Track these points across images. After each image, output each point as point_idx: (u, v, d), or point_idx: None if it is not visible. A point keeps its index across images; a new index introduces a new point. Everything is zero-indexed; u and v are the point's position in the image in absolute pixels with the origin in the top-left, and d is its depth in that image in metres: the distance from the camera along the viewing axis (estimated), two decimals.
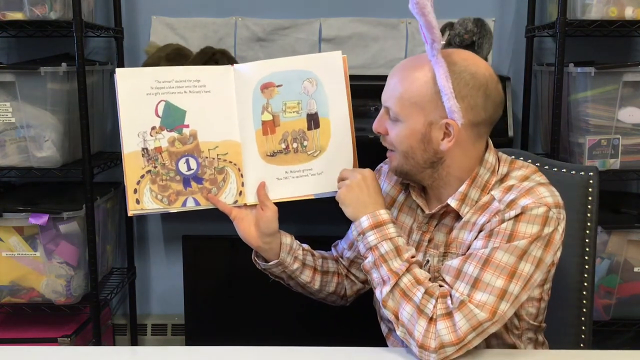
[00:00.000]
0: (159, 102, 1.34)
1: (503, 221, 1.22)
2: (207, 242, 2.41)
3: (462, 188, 1.29)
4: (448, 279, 1.24)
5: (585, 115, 2.16)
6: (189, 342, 2.44)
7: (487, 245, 1.22)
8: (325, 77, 1.38)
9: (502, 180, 1.31)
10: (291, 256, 1.43)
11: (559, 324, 1.53)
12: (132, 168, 1.34)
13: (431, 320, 1.18)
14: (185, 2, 2.47)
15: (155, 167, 1.35)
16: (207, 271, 2.41)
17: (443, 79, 1.22)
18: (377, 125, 1.33)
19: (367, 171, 1.34)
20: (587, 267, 1.51)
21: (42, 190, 2.36)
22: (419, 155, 1.29)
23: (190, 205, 1.37)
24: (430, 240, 1.35)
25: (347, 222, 1.35)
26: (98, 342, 2.24)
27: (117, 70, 1.35)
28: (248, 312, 2.38)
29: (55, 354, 1.32)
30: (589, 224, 1.50)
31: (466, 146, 1.29)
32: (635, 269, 2.18)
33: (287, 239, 1.44)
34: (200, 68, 1.39)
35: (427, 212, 1.36)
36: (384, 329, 1.45)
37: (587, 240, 1.50)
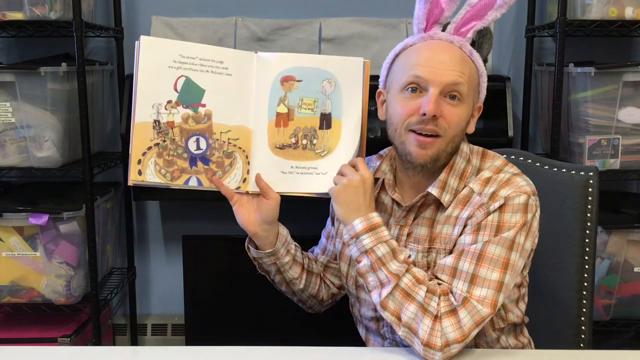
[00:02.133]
0: (179, 77, 1.32)
1: (489, 214, 1.24)
2: (207, 242, 2.40)
3: (442, 176, 1.30)
4: (444, 277, 1.24)
5: (585, 115, 2.16)
6: (189, 342, 2.44)
7: (477, 240, 1.23)
8: (344, 81, 1.37)
9: (477, 172, 1.33)
10: (284, 248, 1.42)
11: (559, 324, 1.53)
12: (140, 138, 1.32)
13: (436, 318, 1.18)
14: (185, 2, 2.47)
15: (164, 141, 1.33)
16: (207, 271, 2.41)
17: (481, 63, 1.31)
18: (436, 109, 1.24)
19: (367, 174, 1.32)
20: (587, 267, 1.51)
21: (42, 190, 2.36)
22: (459, 138, 1.31)
23: (193, 185, 1.35)
24: (409, 235, 1.33)
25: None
26: (98, 342, 2.24)
27: (143, 37, 1.31)
28: (248, 312, 2.38)
29: (55, 354, 1.31)
30: (589, 224, 1.50)
31: None
32: (635, 269, 2.18)
33: (284, 230, 1.43)
34: (225, 50, 1.37)
35: (404, 205, 1.35)
36: (362, 332, 1.46)
37: (587, 240, 1.50)
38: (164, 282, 2.66)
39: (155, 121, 1.32)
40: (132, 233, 2.59)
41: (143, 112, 1.31)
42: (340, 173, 1.34)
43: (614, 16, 2.12)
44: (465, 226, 1.27)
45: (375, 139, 2.04)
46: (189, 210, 2.54)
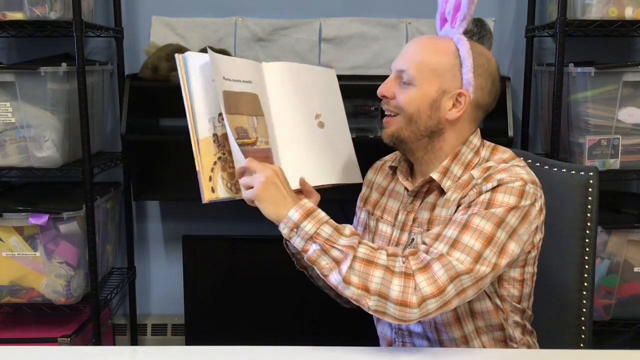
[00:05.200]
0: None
1: (481, 193, 1.26)
2: (207, 242, 2.40)
3: (445, 162, 1.35)
4: (427, 240, 1.24)
5: (585, 115, 2.16)
6: (189, 342, 2.44)
7: (466, 213, 1.25)
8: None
9: (483, 163, 1.35)
10: None
11: (559, 324, 1.53)
12: (207, 154, 1.27)
13: (407, 275, 1.17)
14: (185, 2, 2.47)
15: (224, 154, 1.29)
16: (207, 271, 2.41)
17: (467, 52, 1.33)
18: (384, 89, 1.36)
19: (275, 166, 1.29)
20: (587, 267, 1.51)
21: (42, 190, 2.37)
22: (424, 120, 1.33)
23: None
24: (414, 220, 1.37)
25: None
26: (98, 342, 2.24)
27: (189, 53, 1.28)
28: (248, 312, 2.38)
29: (55, 354, 1.32)
30: (589, 224, 1.50)
31: (464, 124, 1.36)
32: (635, 269, 2.18)
33: None
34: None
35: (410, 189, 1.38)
36: (375, 317, 1.47)
37: (587, 240, 1.50)
38: (164, 282, 2.66)
39: (214, 135, 1.28)
40: (132, 233, 2.59)
41: (203, 128, 1.27)
42: (249, 171, 1.26)
43: (614, 16, 2.12)
44: (459, 205, 1.30)
45: (375, 139, 2.04)
46: (189, 210, 2.54)
